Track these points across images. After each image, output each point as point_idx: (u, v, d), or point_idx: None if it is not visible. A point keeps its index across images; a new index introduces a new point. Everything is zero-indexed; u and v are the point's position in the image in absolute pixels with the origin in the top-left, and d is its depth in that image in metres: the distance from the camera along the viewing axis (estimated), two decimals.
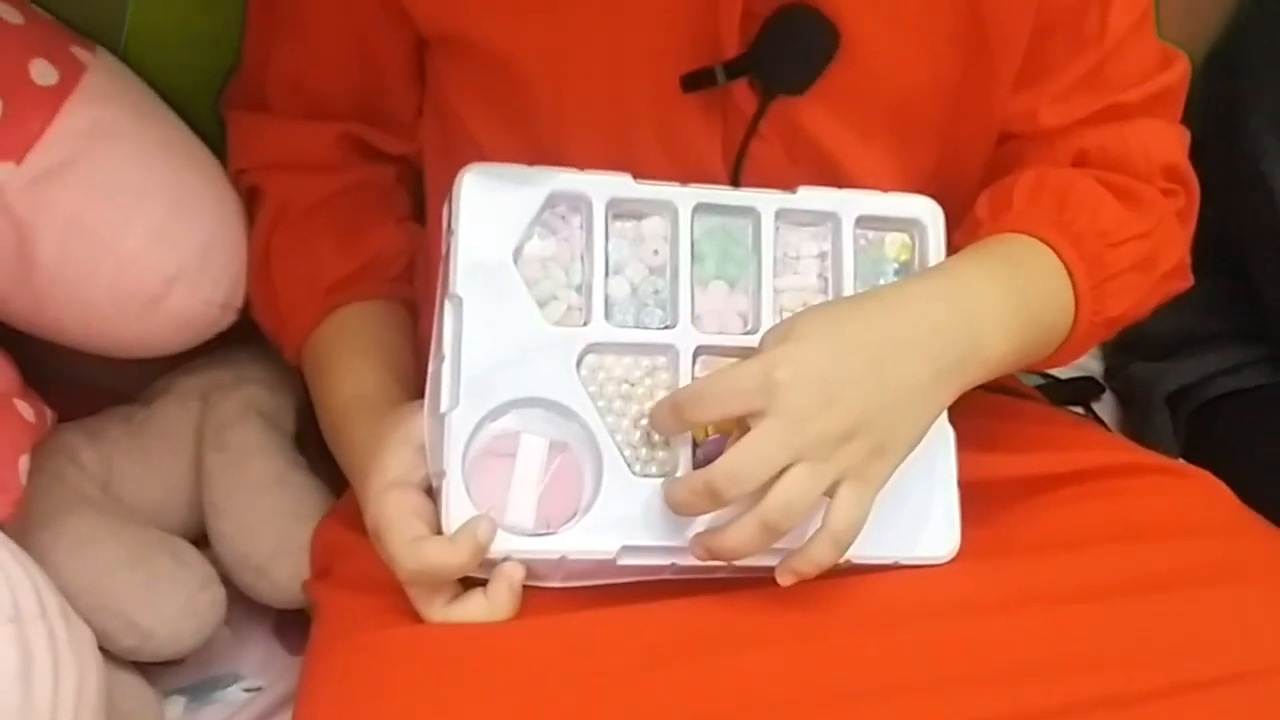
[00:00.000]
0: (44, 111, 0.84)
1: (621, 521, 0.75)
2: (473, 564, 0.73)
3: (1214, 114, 1.05)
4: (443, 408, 0.75)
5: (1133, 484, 0.83)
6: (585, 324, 0.77)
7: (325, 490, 0.95)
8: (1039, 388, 1.04)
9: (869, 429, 0.73)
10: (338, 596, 0.83)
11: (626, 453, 0.76)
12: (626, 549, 0.75)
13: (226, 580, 0.92)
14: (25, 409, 0.86)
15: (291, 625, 0.95)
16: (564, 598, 0.76)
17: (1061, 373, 1.18)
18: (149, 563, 0.89)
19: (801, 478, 0.71)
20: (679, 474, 0.76)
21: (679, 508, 0.74)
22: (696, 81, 0.80)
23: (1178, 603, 0.77)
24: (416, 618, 0.76)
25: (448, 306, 0.76)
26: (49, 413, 0.89)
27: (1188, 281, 0.90)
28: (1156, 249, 0.86)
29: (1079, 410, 1.09)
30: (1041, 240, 0.82)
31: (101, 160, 0.85)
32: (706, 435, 0.77)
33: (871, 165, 0.84)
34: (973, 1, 0.82)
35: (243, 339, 0.96)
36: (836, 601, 0.76)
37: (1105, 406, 1.17)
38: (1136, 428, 1.15)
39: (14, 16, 0.86)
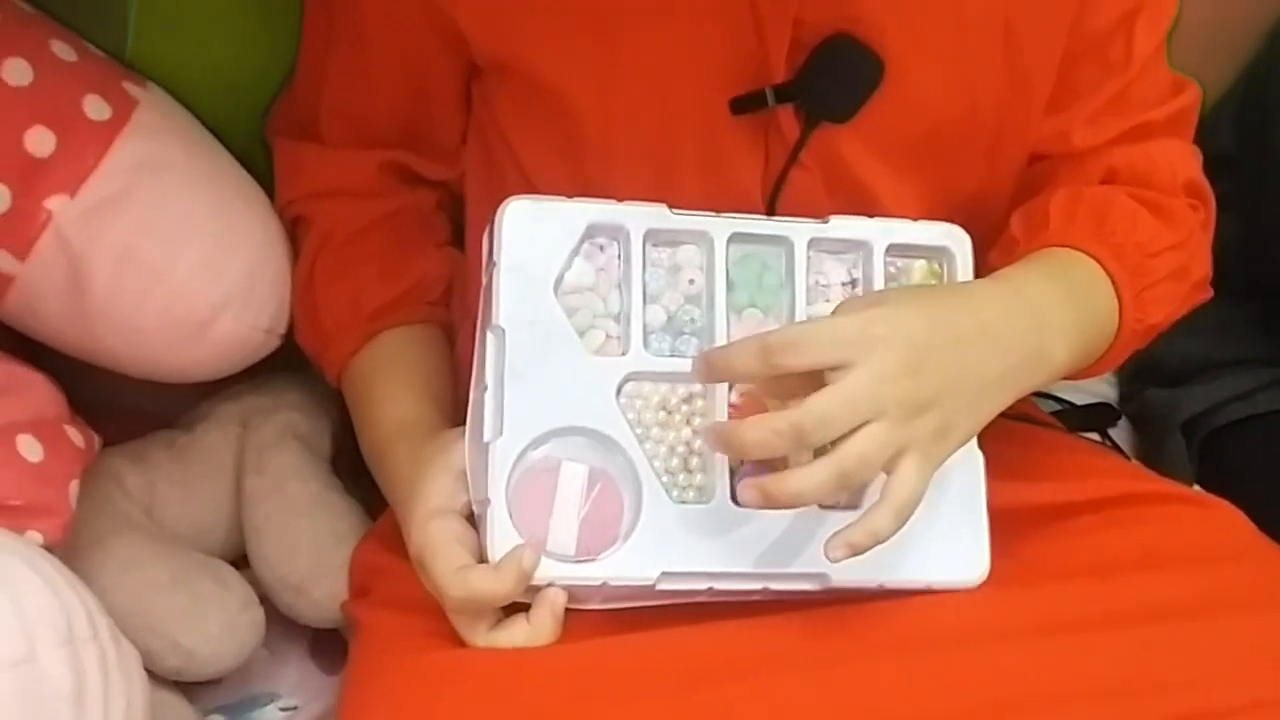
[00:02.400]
0: (97, 146, 0.86)
1: (661, 548, 0.76)
2: (518, 591, 0.74)
3: (1249, 128, 1.07)
4: (486, 436, 0.76)
5: (1153, 513, 0.85)
6: (624, 353, 0.78)
7: (361, 512, 0.96)
8: (1055, 414, 1.05)
9: (941, 407, 0.74)
10: (377, 616, 0.84)
11: (664, 479, 0.77)
12: (666, 575, 0.76)
13: (264, 600, 0.93)
14: (75, 434, 0.87)
15: (327, 645, 0.97)
16: (602, 622, 0.77)
17: (1078, 399, 1.19)
18: (191, 585, 0.90)
19: (878, 434, 0.72)
20: (716, 500, 0.77)
21: (752, 446, 0.73)
22: (746, 104, 0.82)
23: (1200, 631, 0.78)
24: (457, 639, 0.77)
25: (490, 338, 0.77)
26: (96, 438, 0.90)
27: (1209, 294, 0.92)
28: (1189, 259, 0.89)
29: (1095, 436, 1.10)
30: (1085, 253, 0.84)
31: (153, 192, 0.87)
32: (742, 463, 0.78)
33: (905, 195, 0.86)
34: (1009, 33, 0.84)
35: (280, 364, 0.97)
36: (865, 628, 0.77)
37: (1120, 432, 1.18)
38: (1152, 453, 1.16)
39: (68, 54, 0.88)
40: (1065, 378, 0.87)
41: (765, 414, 0.74)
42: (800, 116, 0.83)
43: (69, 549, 0.85)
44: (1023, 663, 0.76)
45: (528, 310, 0.77)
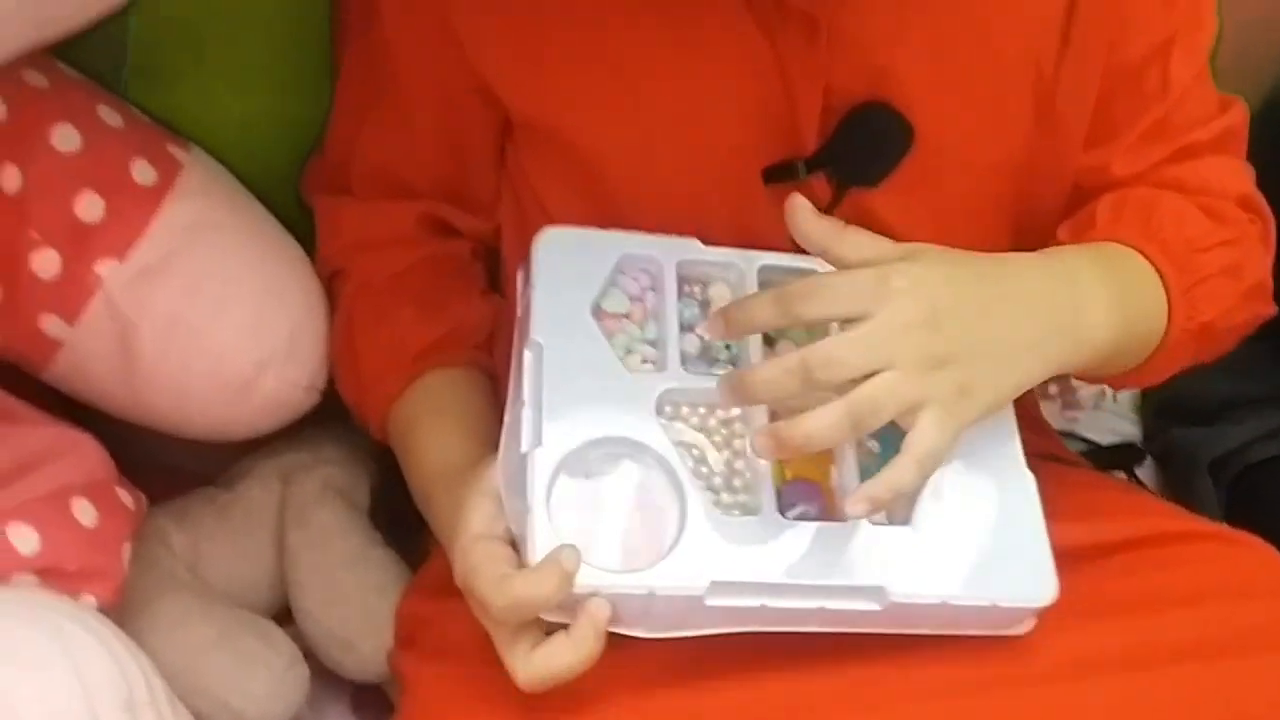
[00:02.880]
0: (145, 210, 0.86)
1: (709, 558, 0.73)
2: (561, 592, 0.71)
3: (1266, 164, 1.07)
4: (524, 447, 0.75)
5: (1188, 551, 0.84)
6: (662, 370, 0.78)
7: (402, 564, 0.96)
8: (1081, 454, 1.06)
9: (961, 365, 0.74)
10: (424, 669, 0.83)
11: (708, 495, 0.76)
12: (716, 585, 0.72)
13: (307, 657, 0.93)
14: (125, 496, 0.88)
15: (369, 700, 0.97)
16: (650, 676, 0.75)
17: (1103, 439, 1.20)
18: (238, 644, 0.90)
19: (891, 381, 0.72)
20: (762, 513, 0.75)
21: (760, 386, 0.73)
22: (778, 175, 0.83)
23: (1243, 669, 0.78)
24: (503, 689, 0.75)
25: (527, 354, 0.77)
26: (143, 498, 0.90)
27: (1272, 308, 0.90)
28: (1243, 258, 0.87)
29: (1121, 476, 1.12)
30: (1131, 247, 0.83)
31: (199, 254, 0.88)
32: (784, 480, 0.77)
33: (942, 243, 0.84)
34: (1040, 77, 0.84)
35: (316, 419, 0.97)
36: (910, 672, 0.76)
37: (1145, 471, 1.19)
38: (1179, 493, 1.16)
39: (114, 119, 0.88)
40: (1116, 380, 0.86)
41: (772, 358, 0.74)
42: (831, 182, 0.83)
43: (116, 610, 0.86)
44: (1066, 705, 0.76)
45: (564, 326, 0.77)
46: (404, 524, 0.94)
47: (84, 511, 0.84)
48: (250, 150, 0.95)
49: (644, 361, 0.78)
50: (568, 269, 0.78)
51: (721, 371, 0.78)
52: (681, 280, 0.80)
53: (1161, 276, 0.83)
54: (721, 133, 0.83)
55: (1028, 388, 0.78)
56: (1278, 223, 0.91)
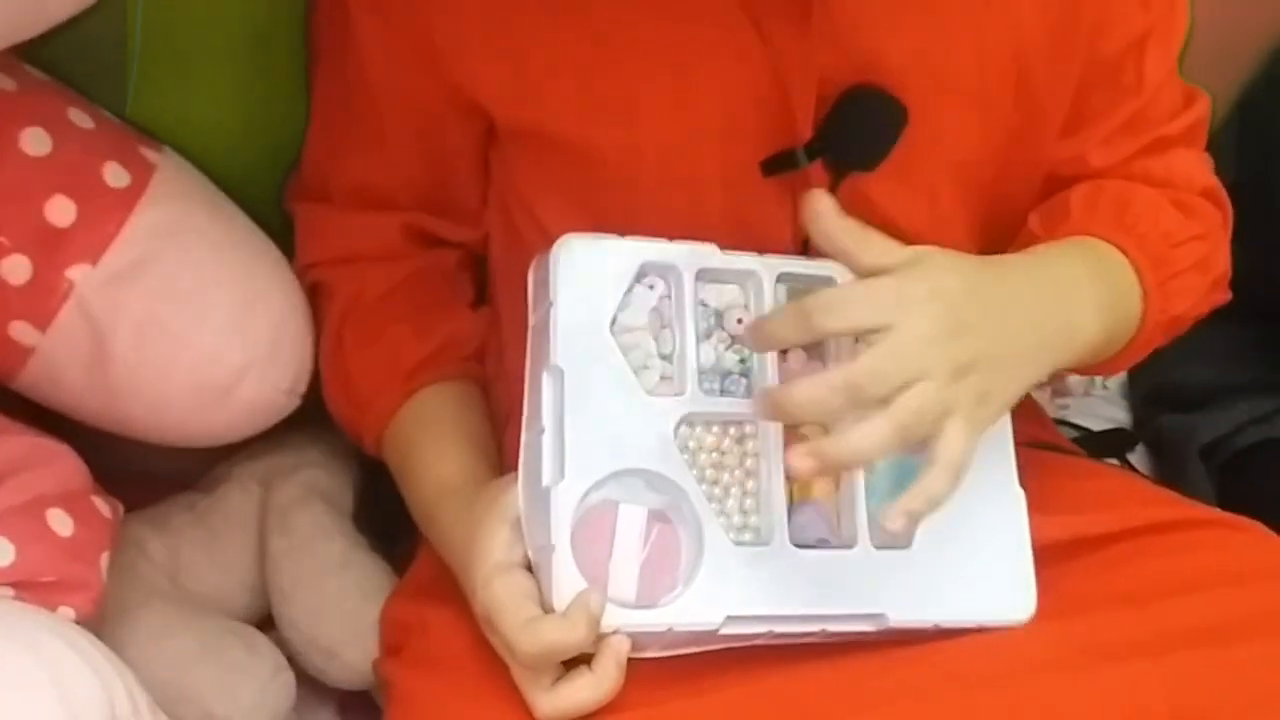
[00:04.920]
0: (118, 213, 0.85)
1: (724, 593, 0.75)
2: (590, 638, 0.73)
3: (1250, 159, 1.07)
4: (546, 481, 0.75)
5: (1187, 538, 0.85)
6: (680, 394, 0.77)
7: (388, 569, 0.95)
8: (1074, 440, 1.05)
9: (981, 372, 0.75)
10: (411, 676, 0.83)
11: (721, 521, 0.76)
12: (730, 619, 0.75)
13: (291, 663, 0.92)
14: (101, 505, 0.86)
15: (356, 706, 0.96)
16: (651, 684, 0.76)
17: (1095, 425, 1.20)
18: (222, 653, 0.89)
19: (930, 391, 0.73)
20: (775, 543, 0.76)
21: (805, 404, 0.73)
22: (777, 165, 0.82)
23: (1247, 654, 0.78)
24: (492, 699, 0.76)
25: (546, 378, 0.76)
26: (120, 507, 0.89)
27: (1228, 295, 0.93)
28: (1211, 252, 0.89)
29: (1114, 462, 1.10)
30: (1108, 242, 0.85)
31: (174, 258, 0.86)
32: (793, 500, 0.78)
33: (936, 229, 0.85)
34: (1021, 65, 0.84)
35: (297, 421, 0.96)
36: (914, 668, 0.77)
37: (1136, 458, 1.17)
38: (1172, 478, 1.15)
39: (85, 121, 0.87)
40: (1086, 369, 0.89)
41: (813, 376, 0.75)
42: (829, 168, 0.83)
43: (95, 622, 0.84)
44: (1071, 695, 0.76)
45: (584, 350, 0.76)
46: (390, 527, 0.93)
47: (60, 522, 0.83)
48: (226, 153, 0.94)
49: (661, 378, 0.78)
50: (588, 281, 0.77)
51: (735, 385, 0.79)
52: (696, 287, 0.80)
53: (1138, 271, 0.85)
54: (715, 125, 0.82)
55: (1031, 389, 0.80)
56: (1261, 214, 0.94)
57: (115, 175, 0.86)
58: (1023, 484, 0.82)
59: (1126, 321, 0.85)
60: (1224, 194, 0.93)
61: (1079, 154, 0.88)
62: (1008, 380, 0.77)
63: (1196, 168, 0.92)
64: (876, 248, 0.77)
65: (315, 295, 0.93)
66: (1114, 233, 0.85)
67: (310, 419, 0.95)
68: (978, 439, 0.76)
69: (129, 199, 0.85)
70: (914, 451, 0.76)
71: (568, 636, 0.73)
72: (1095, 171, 0.89)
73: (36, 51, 0.87)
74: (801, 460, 0.73)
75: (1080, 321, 0.81)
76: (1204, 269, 0.89)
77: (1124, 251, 0.85)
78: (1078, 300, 0.81)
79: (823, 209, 0.78)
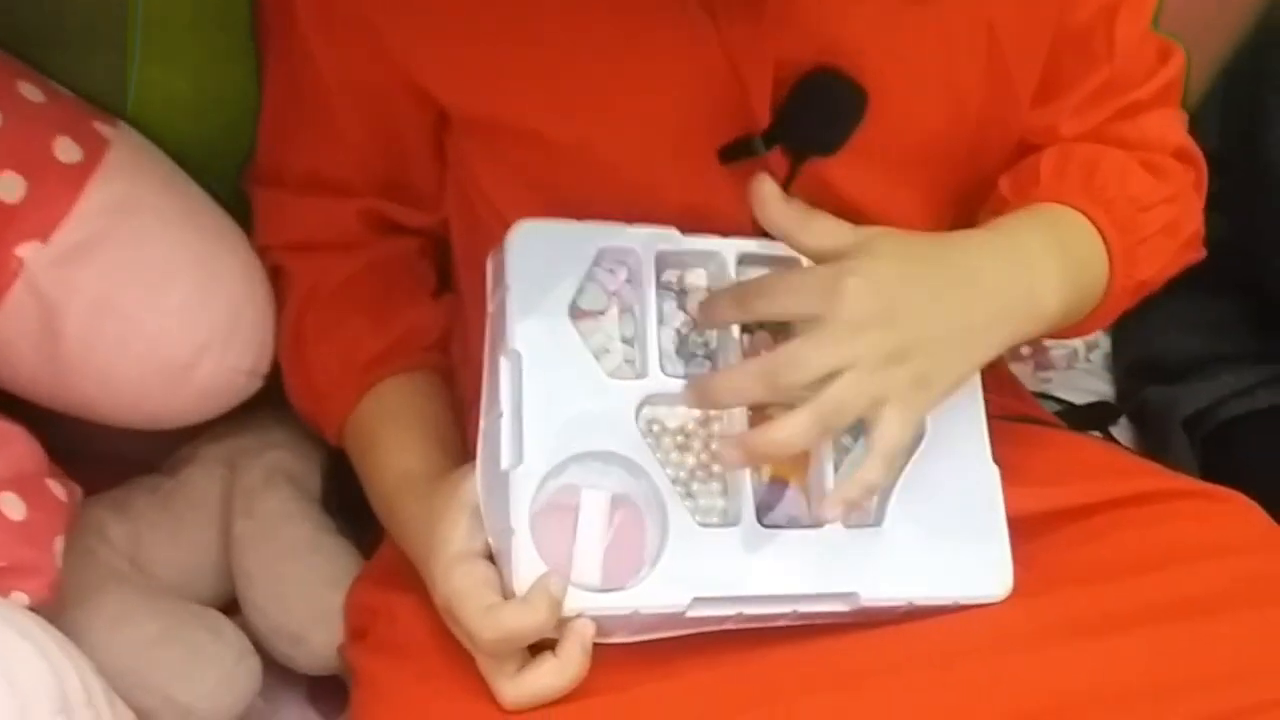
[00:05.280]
0: (69, 190, 0.83)
1: (690, 573, 0.75)
2: (551, 622, 0.72)
3: (1235, 128, 1.06)
4: (505, 464, 0.74)
5: (1169, 509, 0.84)
6: (641, 376, 0.77)
7: (355, 553, 0.94)
8: (1056, 414, 1.04)
9: (918, 357, 0.75)
10: (376, 662, 0.82)
11: (687, 503, 0.76)
12: (697, 601, 0.74)
13: (258, 648, 0.91)
14: (57, 488, 0.85)
15: (326, 691, 0.94)
16: (617, 668, 0.75)
17: (1077, 398, 1.19)
18: (184, 638, 0.88)
19: (852, 383, 0.73)
20: (742, 524, 0.76)
21: (725, 392, 0.75)
22: (734, 153, 0.81)
23: (1227, 626, 0.78)
24: (455, 684, 0.75)
25: (504, 363, 0.76)
26: (78, 489, 0.88)
27: (1201, 253, 0.92)
28: (1180, 214, 0.89)
29: (1097, 435, 1.09)
30: (1074, 208, 0.84)
31: (128, 236, 0.84)
32: (762, 481, 0.77)
33: (898, 209, 0.84)
34: (993, 36, 0.83)
35: (264, 402, 0.94)
36: (889, 645, 0.76)
37: (1120, 431, 1.17)
38: (1155, 451, 1.14)
39: (35, 95, 0.85)
40: (1054, 335, 0.89)
41: (740, 361, 0.77)
42: (787, 154, 0.82)
43: (52, 607, 0.83)
44: (1050, 670, 0.75)
45: (542, 333, 0.76)
46: (359, 510, 0.91)
47: (12, 505, 0.81)
48: (183, 127, 0.92)
49: (623, 362, 0.78)
50: (544, 266, 0.77)
51: (700, 367, 0.79)
52: (657, 270, 0.79)
53: (1104, 238, 0.84)
54: (669, 112, 0.81)
55: (983, 366, 0.80)
56: (1244, 184, 0.93)
57: (67, 150, 0.84)
58: (997, 458, 0.81)
59: (1091, 288, 0.85)
60: (1197, 152, 0.92)
61: (1050, 124, 0.88)
62: (950, 362, 0.77)
63: (1169, 127, 0.91)
64: (819, 230, 0.77)
65: (275, 280, 0.92)
66: (1080, 199, 0.84)
67: (276, 400, 0.93)
68: (918, 422, 0.76)
69: (81, 175, 0.84)
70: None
71: (528, 621, 0.72)
72: (1065, 140, 0.88)
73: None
74: (727, 450, 0.75)
75: (1041, 292, 0.80)
76: (1172, 232, 0.88)
77: (1090, 218, 0.84)
78: (1040, 271, 0.80)
79: (765, 194, 0.77)
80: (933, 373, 0.76)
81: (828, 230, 0.77)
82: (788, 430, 0.73)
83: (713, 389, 0.75)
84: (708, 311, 0.78)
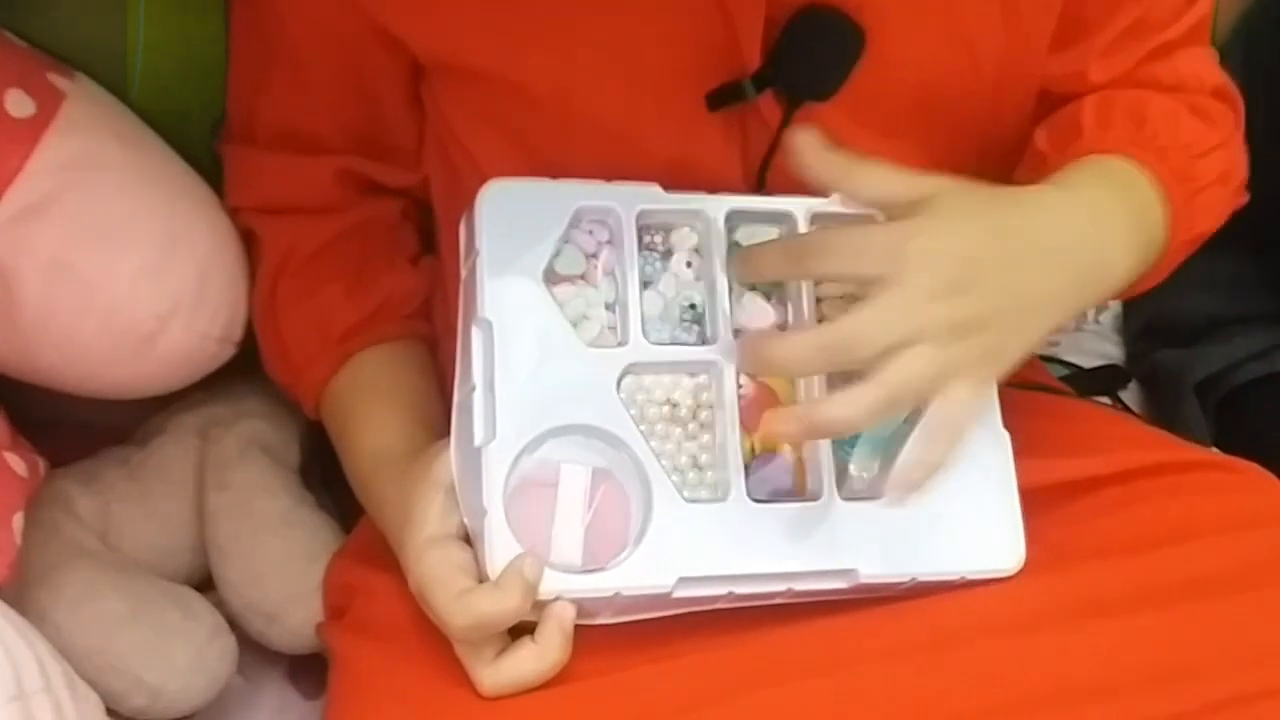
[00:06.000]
0: (21, 145, 0.80)
1: (676, 552, 0.71)
2: (524, 607, 0.69)
3: (1257, 75, 1.02)
4: (477, 440, 0.71)
5: (1182, 482, 0.81)
6: (622, 344, 0.74)
7: (335, 527, 0.92)
8: (1063, 379, 1.02)
9: (988, 329, 0.71)
10: (354, 643, 0.80)
11: (674, 478, 0.73)
12: (684, 580, 0.71)
13: (235, 625, 0.89)
14: (16, 462, 0.82)
15: (306, 669, 0.92)
16: (602, 650, 0.72)
17: (1086, 361, 1.17)
18: (154, 616, 0.85)
19: (922, 358, 0.69)
20: (731, 498, 0.73)
21: (781, 362, 0.71)
22: (723, 98, 0.77)
23: (1243, 606, 0.75)
24: (435, 666, 0.73)
25: (475, 332, 0.73)
26: (41, 462, 0.85)
27: (1245, 197, 0.88)
28: (1230, 161, 0.86)
29: (1105, 400, 1.07)
30: (1128, 158, 0.80)
31: (86, 194, 0.81)
32: (754, 454, 0.74)
33: (901, 162, 0.80)
34: None
35: (240, 370, 0.92)
36: (893, 626, 0.74)
37: (1129, 395, 1.15)
38: (1166, 416, 1.13)
39: None
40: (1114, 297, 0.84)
41: (801, 329, 0.73)
42: (780, 99, 0.78)
43: (14, 586, 0.80)
44: (1060, 651, 0.73)
45: (515, 301, 0.72)
46: (340, 482, 0.89)
47: None
48: (145, 80, 0.89)
49: (604, 329, 0.74)
50: (516, 229, 0.73)
51: (687, 332, 0.75)
52: (640, 231, 0.76)
53: (1164, 189, 0.80)
54: (652, 56, 0.77)
55: (1059, 327, 0.76)
56: (1269, 132, 0.89)
57: (19, 104, 0.81)
58: (1007, 425, 0.78)
59: (1154, 245, 0.81)
60: (1235, 91, 0.89)
61: (1077, 69, 0.84)
62: (1021, 333, 0.73)
63: (1204, 66, 0.87)
64: (875, 180, 0.72)
65: (248, 244, 0.89)
66: (1132, 148, 0.81)
67: (252, 367, 0.91)
68: (985, 398, 0.73)
69: (34, 129, 0.81)
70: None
71: (500, 606, 0.69)
72: (1095, 87, 0.84)
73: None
74: (785, 424, 0.70)
75: (1115, 254, 0.77)
76: (1226, 179, 0.85)
77: (1147, 168, 0.80)
78: (1112, 230, 0.77)
79: (807, 143, 0.72)
80: (1006, 344, 0.72)
81: (885, 180, 0.73)
82: (850, 409, 0.69)
83: (771, 358, 0.71)
84: (752, 264, 0.74)
